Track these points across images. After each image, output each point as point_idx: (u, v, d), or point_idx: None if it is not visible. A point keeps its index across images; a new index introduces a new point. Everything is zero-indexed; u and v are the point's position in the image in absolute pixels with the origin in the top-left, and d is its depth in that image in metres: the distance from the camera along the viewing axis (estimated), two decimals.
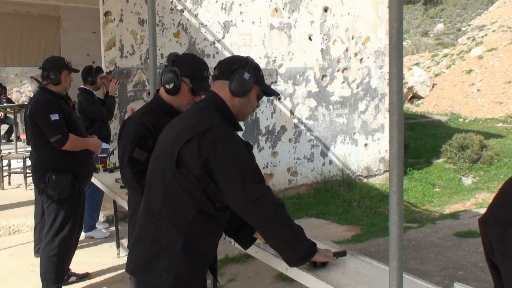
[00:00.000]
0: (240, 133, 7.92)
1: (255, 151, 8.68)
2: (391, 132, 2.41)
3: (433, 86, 20.25)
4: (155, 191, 2.64)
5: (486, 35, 22.12)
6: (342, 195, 9.17)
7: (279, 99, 9.02)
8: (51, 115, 4.82)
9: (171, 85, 3.24)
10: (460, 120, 16.88)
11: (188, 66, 3.28)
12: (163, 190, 2.59)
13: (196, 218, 2.55)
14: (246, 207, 2.52)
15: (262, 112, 8.89)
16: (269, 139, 9.00)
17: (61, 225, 4.96)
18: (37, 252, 6.10)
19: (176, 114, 3.24)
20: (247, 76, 2.65)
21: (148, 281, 2.59)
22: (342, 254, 3.19)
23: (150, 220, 2.64)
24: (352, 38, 9.74)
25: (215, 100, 2.69)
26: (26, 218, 7.37)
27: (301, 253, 2.70)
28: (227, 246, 5.28)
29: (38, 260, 5.31)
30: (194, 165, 2.48)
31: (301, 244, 2.67)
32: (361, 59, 9.87)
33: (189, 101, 3.28)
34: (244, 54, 8.60)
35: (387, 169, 10.09)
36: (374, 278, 2.89)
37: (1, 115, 12.87)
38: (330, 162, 9.68)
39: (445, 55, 22.94)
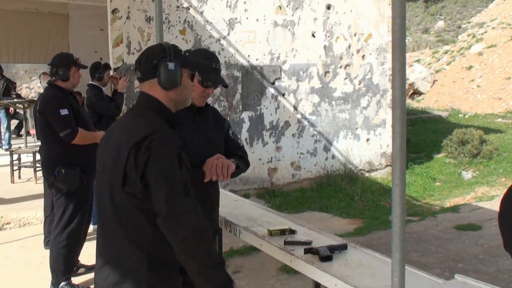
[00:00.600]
0: (244, 128, 8.02)
1: (259, 146, 8.85)
2: (394, 126, 2.41)
3: (433, 82, 20.33)
4: (107, 213, 2.49)
5: (486, 32, 22.20)
6: (344, 189, 9.27)
7: (283, 95, 9.16)
8: (60, 110, 4.93)
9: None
10: (460, 115, 16.94)
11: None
12: (115, 210, 2.45)
13: (155, 232, 2.40)
14: (165, 222, 2.33)
15: (266, 108, 9.04)
16: (273, 134, 9.14)
17: (70, 218, 5.05)
18: (46, 244, 6.18)
19: (189, 107, 3.40)
20: (172, 66, 2.52)
21: None
22: (343, 247, 3.30)
23: (109, 244, 2.50)
24: (355, 35, 9.86)
25: (149, 102, 2.57)
26: (36, 211, 7.45)
27: (215, 287, 2.38)
28: (231, 238, 5.43)
29: (47, 252, 5.42)
30: (137, 180, 2.35)
31: (218, 278, 2.38)
32: (363, 56, 9.99)
33: (200, 93, 3.29)
34: (249, 51, 8.77)
35: (389, 163, 10.25)
36: (377, 270, 2.97)
37: (11, 110, 12.97)
38: (333, 156, 9.81)
39: (446, 52, 23.01)
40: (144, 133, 2.36)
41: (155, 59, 2.53)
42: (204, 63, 3.11)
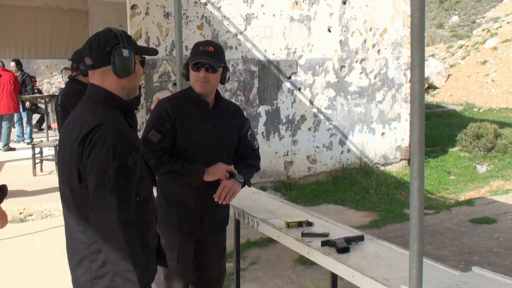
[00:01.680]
0: (261, 122, 8.12)
1: (275, 139, 8.94)
2: (412, 119, 2.39)
3: (448, 77, 20.21)
4: (71, 209, 2.43)
5: (500, 26, 21.99)
6: (359, 182, 9.31)
7: (299, 89, 9.24)
8: None
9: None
10: (474, 109, 16.83)
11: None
12: (77, 206, 2.38)
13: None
14: (90, 214, 2.27)
15: (283, 102, 9.12)
16: (289, 128, 9.23)
17: None
18: None
19: (203, 103, 3.46)
20: (126, 53, 2.40)
21: None
22: (360, 239, 3.34)
23: (78, 239, 2.42)
24: (370, 30, 9.89)
25: (96, 94, 2.47)
26: (58, 203, 7.32)
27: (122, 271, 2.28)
28: (249, 230, 5.52)
29: None
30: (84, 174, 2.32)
31: (129, 283, 2.27)
32: (378, 50, 10.02)
33: (194, 78, 3.41)
34: (265, 46, 8.86)
35: (404, 157, 10.30)
36: (394, 262, 2.98)
37: (28, 105, 13.13)
38: (348, 150, 9.87)
39: (460, 47, 22.85)
40: (89, 127, 2.31)
41: (108, 46, 2.40)
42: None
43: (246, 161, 3.67)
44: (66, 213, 2.50)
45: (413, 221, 2.41)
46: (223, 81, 3.50)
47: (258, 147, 3.75)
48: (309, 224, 3.67)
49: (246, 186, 3.64)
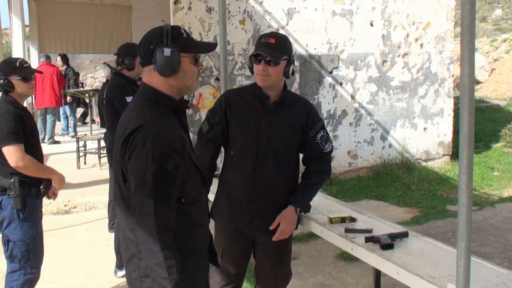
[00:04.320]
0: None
1: None
2: (462, 114, 2.34)
3: (491, 71, 19.86)
4: (121, 207, 2.45)
5: None
6: (401, 178, 9.23)
7: (341, 84, 9.20)
8: (126, 97, 5.06)
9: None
10: None
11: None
12: (126, 205, 2.40)
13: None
14: (132, 215, 2.28)
15: (324, 97, 9.09)
16: (330, 123, 9.20)
17: None
18: (111, 227, 6.36)
19: (264, 99, 3.34)
20: (168, 52, 2.35)
21: None
22: (404, 235, 3.29)
23: (129, 237, 2.43)
24: (413, 24, 9.79)
25: (145, 93, 2.45)
26: (101, 195, 7.70)
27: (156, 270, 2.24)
28: None
29: (112, 235, 5.66)
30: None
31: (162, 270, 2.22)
32: (421, 45, 9.91)
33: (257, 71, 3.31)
34: (307, 41, 8.82)
35: (446, 153, 10.18)
36: (439, 259, 2.94)
37: (69, 99, 13.37)
38: (390, 145, 9.80)
39: (504, 40, 22.42)
40: (132, 127, 2.29)
41: (152, 44, 2.38)
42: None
43: (308, 176, 3.53)
44: (118, 210, 2.54)
45: (461, 218, 2.37)
46: (286, 74, 3.30)
47: (330, 151, 3.55)
48: (352, 220, 3.66)
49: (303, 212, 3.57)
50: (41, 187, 4.12)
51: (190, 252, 2.42)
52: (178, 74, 2.41)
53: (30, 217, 4.00)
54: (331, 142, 3.56)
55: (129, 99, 5.10)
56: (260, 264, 3.63)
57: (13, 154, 3.83)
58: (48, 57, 12.73)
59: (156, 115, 2.34)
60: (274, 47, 3.21)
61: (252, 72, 3.34)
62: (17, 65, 4.06)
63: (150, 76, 2.44)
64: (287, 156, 3.45)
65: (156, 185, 2.22)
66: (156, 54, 2.35)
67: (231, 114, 3.38)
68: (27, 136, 3.99)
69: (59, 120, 13.77)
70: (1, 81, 4.00)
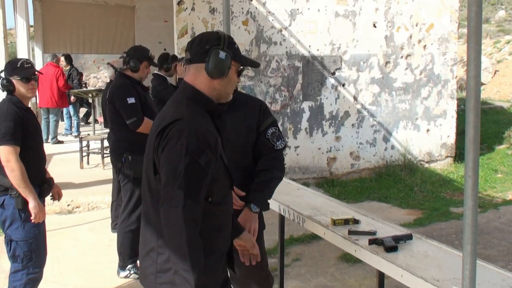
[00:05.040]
0: (304, 118, 8.11)
1: (319, 135, 8.92)
2: (468, 116, 2.33)
3: (495, 73, 19.84)
4: (147, 199, 2.52)
5: None
6: (403, 180, 9.18)
7: (343, 85, 9.19)
8: (128, 99, 5.09)
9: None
10: None
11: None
12: (152, 197, 2.46)
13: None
14: (160, 208, 2.30)
15: (327, 98, 9.08)
16: (333, 124, 9.19)
17: (136, 203, 5.18)
18: (113, 228, 6.38)
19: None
20: (223, 55, 2.43)
21: None
22: (408, 237, 3.29)
23: (150, 231, 2.49)
24: (416, 25, 9.76)
25: (185, 91, 2.51)
26: (104, 195, 7.70)
27: (180, 269, 2.25)
28: (292, 226, 5.52)
29: (115, 235, 5.62)
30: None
31: (186, 283, 2.24)
32: (424, 46, 9.88)
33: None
34: (310, 41, 8.83)
35: (449, 154, 10.16)
36: (444, 262, 2.94)
37: (73, 99, 13.37)
38: (392, 147, 9.78)
39: (508, 42, 22.39)
40: (168, 120, 2.34)
41: (207, 45, 2.44)
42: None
43: (260, 175, 3.46)
44: (143, 203, 2.58)
45: (467, 221, 2.36)
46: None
47: (282, 148, 3.52)
48: (356, 221, 3.66)
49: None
50: (42, 187, 4.11)
51: (211, 253, 2.44)
52: (224, 79, 2.47)
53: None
54: (284, 140, 3.56)
55: (130, 100, 5.10)
56: (235, 275, 3.41)
57: (5, 154, 3.83)
58: (54, 57, 12.75)
59: (193, 112, 2.40)
60: None
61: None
62: (18, 65, 4.07)
63: (195, 75, 2.48)
64: (246, 155, 3.48)
65: (187, 178, 2.25)
66: (210, 54, 2.41)
67: None
68: (29, 136, 3.98)
69: (62, 120, 13.78)
70: (4, 81, 4.01)
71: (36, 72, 4.26)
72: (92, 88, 14.82)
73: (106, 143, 8.33)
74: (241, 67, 2.58)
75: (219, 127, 2.56)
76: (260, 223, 3.54)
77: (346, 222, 3.62)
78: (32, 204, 3.94)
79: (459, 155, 10.28)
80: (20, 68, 4.05)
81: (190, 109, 2.41)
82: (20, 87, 4.04)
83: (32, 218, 3.96)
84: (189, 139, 2.28)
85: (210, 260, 2.43)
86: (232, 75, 2.51)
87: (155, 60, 6.10)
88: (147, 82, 7.42)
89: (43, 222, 4.13)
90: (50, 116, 12.28)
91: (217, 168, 2.43)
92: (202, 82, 2.47)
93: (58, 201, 4.54)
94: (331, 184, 8.95)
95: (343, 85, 9.21)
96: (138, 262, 5.41)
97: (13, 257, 4.02)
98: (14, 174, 3.85)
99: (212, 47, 2.42)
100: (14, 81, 4.01)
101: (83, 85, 14.65)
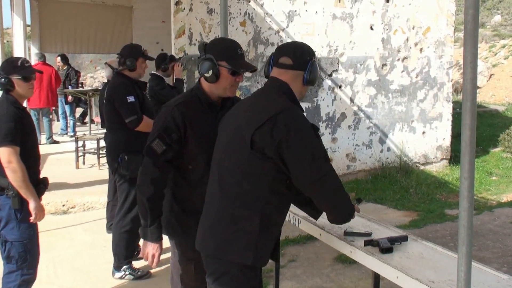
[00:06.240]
0: None
1: None
2: (464, 118, 2.34)
3: (490, 77, 19.90)
4: (229, 175, 2.75)
5: None
6: (399, 182, 9.21)
7: (340, 87, 9.19)
8: (127, 97, 5.07)
9: (210, 73, 3.05)
10: None
11: (221, 50, 3.12)
12: (239, 173, 2.69)
13: (270, 197, 2.68)
14: (314, 183, 2.66)
15: (323, 100, 9.09)
16: (329, 126, 9.20)
17: (132, 203, 5.15)
18: (109, 228, 6.36)
19: (214, 105, 3.22)
20: (317, 68, 2.85)
21: (230, 260, 2.70)
22: (404, 239, 3.29)
23: (227, 202, 2.73)
24: (413, 28, 9.80)
25: (280, 85, 2.80)
26: (99, 196, 7.68)
27: (347, 216, 2.92)
28: (287, 227, 5.49)
29: (110, 236, 5.58)
30: (267, 147, 2.60)
31: (350, 210, 2.93)
32: (421, 49, 9.92)
33: (231, 83, 3.14)
34: (307, 43, 8.80)
35: (444, 157, 10.19)
36: (439, 263, 2.94)
37: (70, 99, 13.34)
38: (388, 149, 9.80)
39: (503, 46, 22.47)
40: (278, 109, 2.64)
41: (309, 56, 2.84)
42: (233, 52, 3.14)
43: None
44: (217, 181, 2.83)
45: (462, 223, 2.39)
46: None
47: None
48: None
49: None
50: (38, 187, 4.10)
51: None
52: (307, 87, 2.90)
53: (28, 217, 3.97)
54: None
55: (130, 99, 5.09)
56: None
57: (6, 155, 3.82)
58: (42, 56, 12.65)
59: (293, 103, 2.78)
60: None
61: (214, 81, 3.13)
62: (19, 64, 4.05)
63: (293, 79, 2.83)
64: None
65: (324, 152, 2.73)
66: (310, 65, 2.81)
67: (192, 131, 3.14)
68: (25, 136, 3.97)
69: (58, 120, 13.75)
70: (2, 79, 3.99)
71: (36, 72, 4.26)
72: (89, 88, 14.76)
73: (102, 143, 8.31)
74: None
75: None
76: None
77: None
78: (33, 205, 3.94)
79: (454, 158, 10.33)
80: (20, 67, 4.04)
81: (290, 102, 2.75)
82: (19, 86, 4.03)
83: (32, 218, 3.96)
84: (306, 121, 2.68)
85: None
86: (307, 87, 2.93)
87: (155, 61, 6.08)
88: (146, 79, 7.46)
89: (36, 222, 4.12)
90: (43, 116, 12.25)
91: None
92: (297, 86, 2.82)
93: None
94: None
95: (340, 86, 9.22)
96: (133, 263, 5.44)
97: (7, 258, 3.99)
98: (17, 175, 3.84)
99: (310, 60, 2.83)
100: (14, 80, 4.00)
101: (80, 85, 14.61)
